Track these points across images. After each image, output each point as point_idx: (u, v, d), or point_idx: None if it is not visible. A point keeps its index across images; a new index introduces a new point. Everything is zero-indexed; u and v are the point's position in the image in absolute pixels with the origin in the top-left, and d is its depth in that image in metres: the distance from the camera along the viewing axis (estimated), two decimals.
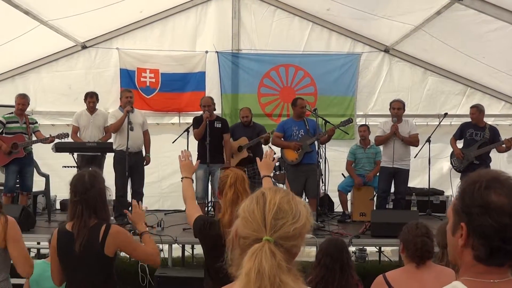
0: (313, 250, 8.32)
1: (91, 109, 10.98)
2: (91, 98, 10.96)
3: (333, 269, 5.15)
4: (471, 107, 11.02)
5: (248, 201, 2.18)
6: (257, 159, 5.15)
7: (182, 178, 4.90)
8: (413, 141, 10.63)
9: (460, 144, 11.03)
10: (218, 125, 10.62)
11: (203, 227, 4.50)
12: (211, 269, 4.49)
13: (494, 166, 11.20)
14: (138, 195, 10.18)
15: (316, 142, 10.13)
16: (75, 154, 10.31)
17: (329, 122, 10.67)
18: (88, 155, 10.52)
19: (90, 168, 4.69)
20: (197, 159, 10.40)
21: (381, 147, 11.07)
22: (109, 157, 10.49)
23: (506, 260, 1.93)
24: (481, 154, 10.60)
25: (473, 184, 1.96)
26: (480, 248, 1.93)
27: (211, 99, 10.90)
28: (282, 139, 10.44)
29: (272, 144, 10.65)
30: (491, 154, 10.93)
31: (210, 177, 10.51)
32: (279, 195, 2.13)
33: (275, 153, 5.12)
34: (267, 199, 2.12)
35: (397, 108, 10.60)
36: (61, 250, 4.39)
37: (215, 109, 11.04)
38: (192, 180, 4.97)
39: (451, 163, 11.08)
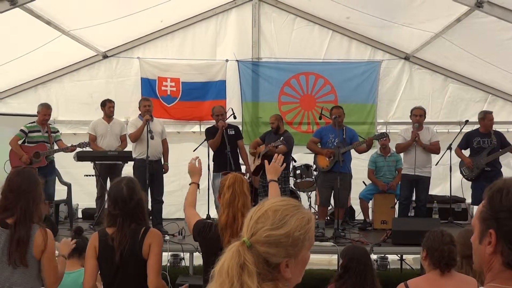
0: (334, 258, 8.32)
1: (111, 114, 11.09)
2: (110, 103, 11.10)
3: (357, 277, 5.13)
4: (488, 113, 10.95)
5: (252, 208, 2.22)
6: (265, 162, 5.16)
7: (190, 183, 4.97)
8: (434, 148, 10.61)
9: (466, 153, 11.00)
10: (231, 132, 10.64)
11: (202, 230, 4.58)
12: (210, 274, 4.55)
13: None
14: (158, 203, 10.22)
15: (352, 152, 10.16)
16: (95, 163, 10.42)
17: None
18: (108, 163, 10.61)
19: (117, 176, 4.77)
20: (214, 169, 10.48)
21: (401, 155, 11.05)
22: (127, 166, 10.55)
23: None
24: (491, 160, 10.58)
25: (500, 191, 1.96)
26: (510, 254, 1.92)
27: (223, 108, 10.96)
28: (319, 145, 10.42)
29: (307, 148, 10.65)
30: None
31: None
32: (275, 203, 2.15)
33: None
34: (260, 205, 2.16)
35: (419, 115, 10.59)
36: (102, 253, 4.47)
37: (235, 117, 11.09)
38: (198, 185, 5.03)
39: (461, 172, 11.00)
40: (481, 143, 10.74)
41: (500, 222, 1.93)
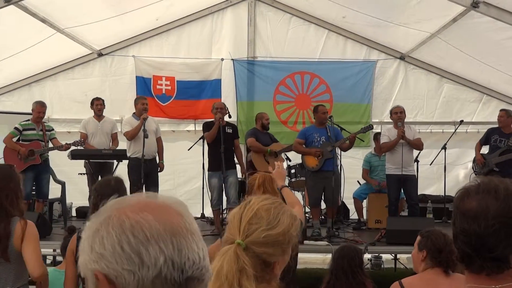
0: (328, 257, 8.31)
1: (99, 112, 11.04)
2: (98, 101, 11.06)
3: (344, 276, 5.14)
4: (500, 110, 10.92)
5: (237, 207, 2.21)
6: (270, 168, 5.17)
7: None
8: (418, 143, 10.44)
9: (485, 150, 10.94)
10: (229, 130, 10.54)
11: None
12: None
13: None
14: None
15: (337, 149, 10.09)
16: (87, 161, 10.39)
17: (344, 129, 10.63)
18: (99, 162, 10.56)
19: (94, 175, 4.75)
20: (209, 167, 10.42)
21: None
22: (122, 164, 10.51)
23: (474, 267, 1.95)
24: (501, 161, 10.47)
25: (462, 193, 2.01)
26: (456, 251, 1.99)
27: (224, 104, 10.92)
28: (304, 145, 10.37)
29: (293, 150, 10.62)
30: None
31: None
32: (262, 202, 2.15)
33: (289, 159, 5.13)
34: (248, 205, 2.15)
35: (400, 112, 10.43)
36: None
37: (230, 116, 11.02)
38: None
39: (473, 167, 10.99)
40: (497, 142, 10.62)
41: (456, 222, 1.99)
